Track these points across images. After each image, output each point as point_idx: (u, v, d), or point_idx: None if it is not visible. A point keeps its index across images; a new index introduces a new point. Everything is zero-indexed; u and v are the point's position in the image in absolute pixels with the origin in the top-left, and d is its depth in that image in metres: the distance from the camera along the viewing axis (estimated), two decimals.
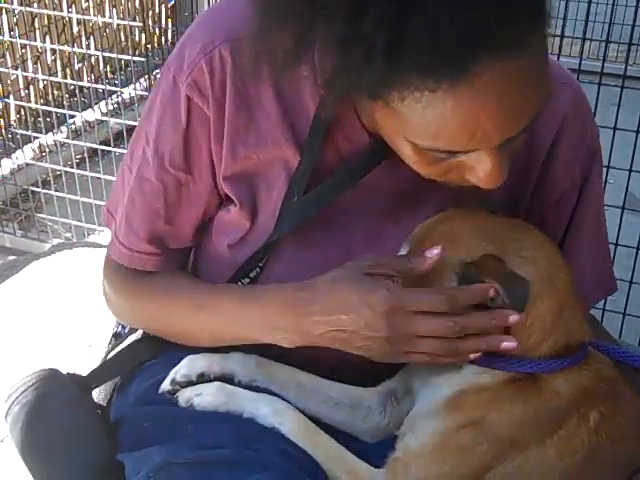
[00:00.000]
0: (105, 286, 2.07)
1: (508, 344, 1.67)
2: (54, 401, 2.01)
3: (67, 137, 5.19)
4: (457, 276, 1.69)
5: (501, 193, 1.83)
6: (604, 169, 3.45)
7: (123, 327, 2.22)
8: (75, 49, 5.21)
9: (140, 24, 5.93)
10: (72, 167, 4.89)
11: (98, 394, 2.17)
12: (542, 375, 1.75)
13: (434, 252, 1.65)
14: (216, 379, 1.89)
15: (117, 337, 2.23)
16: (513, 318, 1.65)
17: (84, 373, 2.11)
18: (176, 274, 2.00)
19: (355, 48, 1.41)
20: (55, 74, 5.24)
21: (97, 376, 2.11)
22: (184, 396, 1.87)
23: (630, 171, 3.54)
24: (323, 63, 1.63)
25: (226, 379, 1.89)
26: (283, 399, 1.87)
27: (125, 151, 3.99)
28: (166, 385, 1.91)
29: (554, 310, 1.72)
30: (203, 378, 1.89)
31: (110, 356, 2.14)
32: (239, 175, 1.85)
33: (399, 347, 1.68)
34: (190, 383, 1.89)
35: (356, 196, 1.85)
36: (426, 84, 1.40)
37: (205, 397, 1.85)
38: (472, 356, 1.68)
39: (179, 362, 1.92)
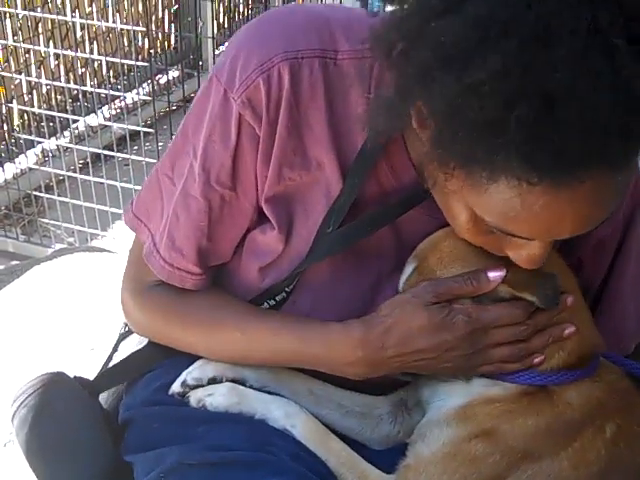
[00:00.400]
0: (129, 303, 2.01)
1: (570, 330, 1.70)
2: (61, 404, 2.01)
3: (70, 142, 5.20)
4: None
5: None
6: None
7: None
8: (78, 54, 5.23)
9: (143, 29, 5.94)
10: (75, 172, 4.91)
11: (105, 398, 2.17)
12: (555, 388, 1.75)
13: (497, 274, 1.65)
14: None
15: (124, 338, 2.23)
16: (570, 300, 1.70)
17: (87, 376, 2.12)
18: (214, 296, 1.94)
19: (492, 134, 1.35)
20: (58, 79, 5.25)
21: (105, 380, 2.12)
22: (196, 396, 1.88)
23: None
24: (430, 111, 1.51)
25: (237, 384, 1.89)
26: None
27: (127, 156, 3.97)
28: (177, 387, 1.91)
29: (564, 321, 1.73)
30: (214, 382, 1.89)
31: (118, 360, 2.14)
32: (280, 197, 1.80)
33: (476, 361, 1.71)
34: (200, 386, 1.89)
35: (391, 229, 1.83)
36: (529, 177, 1.37)
37: (217, 397, 1.85)
38: (537, 360, 1.71)
39: (188, 366, 1.92)
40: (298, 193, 1.80)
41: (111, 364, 2.16)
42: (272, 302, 1.88)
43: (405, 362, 1.71)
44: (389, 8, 1.59)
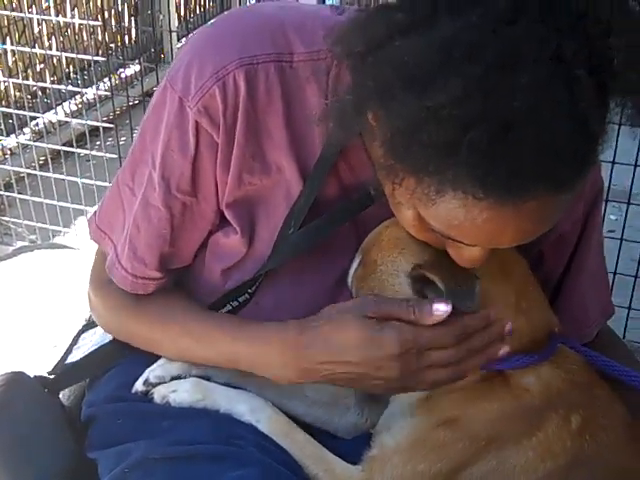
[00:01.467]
0: (93, 299, 2.01)
1: (504, 351, 1.69)
2: (20, 403, 1.99)
3: (30, 139, 5.15)
4: (409, 279, 1.69)
5: None
6: None
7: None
8: (36, 50, 5.16)
9: (100, 23, 5.89)
10: (35, 169, 4.85)
11: (67, 395, 2.15)
12: (512, 373, 1.75)
13: (442, 310, 1.61)
14: None
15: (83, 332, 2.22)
16: (508, 328, 1.68)
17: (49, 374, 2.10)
18: (170, 295, 1.94)
19: (446, 154, 1.37)
20: (16, 75, 5.18)
21: (65, 378, 2.10)
22: (160, 393, 1.87)
23: (613, 163, 3.55)
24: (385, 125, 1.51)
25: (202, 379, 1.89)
26: None
27: (88, 151, 3.94)
28: (139, 385, 1.90)
29: (510, 304, 1.73)
30: (178, 379, 1.88)
31: (79, 358, 2.11)
32: (241, 201, 1.81)
33: (408, 383, 1.68)
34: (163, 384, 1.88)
35: (352, 226, 1.84)
36: (475, 192, 1.38)
37: (181, 394, 1.84)
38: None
39: (150, 362, 1.91)
40: (259, 197, 1.81)
41: (72, 359, 2.14)
42: (235, 303, 1.87)
43: (335, 372, 1.69)
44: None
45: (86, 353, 2.09)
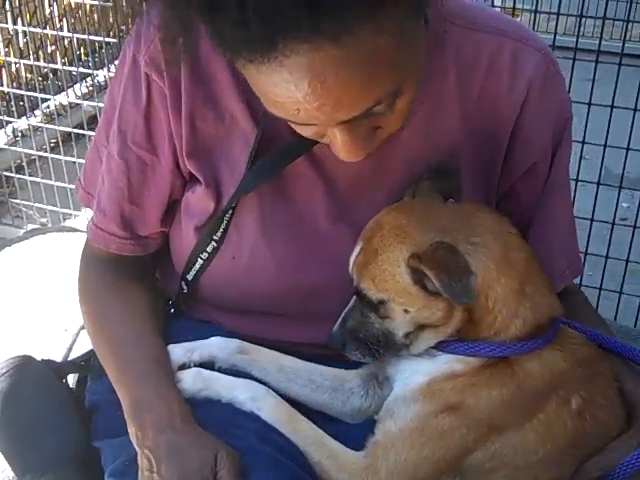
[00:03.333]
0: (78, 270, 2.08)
1: None
2: (28, 388, 2.00)
3: (41, 121, 5.15)
4: (409, 269, 1.69)
5: (470, 167, 1.90)
6: (579, 145, 3.48)
7: None
8: (47, 31, 5.15)
9: (112, 4, 5.86)
10: (46, 151, 4.86)
11: (76, 378, 2.16)
12: (515, 358, 1.75)
13: None
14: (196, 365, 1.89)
15: None
16: None
17: (60, 357, 2.12)
18: (136, 304, 1.99)
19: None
20: (27, 57, 5.17)
21: (73, 364, 2.12)
22: None
23: (605, 146, 3.53)
24: None
25: (207, 364, 1.89)
26: (264, 383, 1.87)
27: None
28: None
29: (515, 289, 1.73)
30: (184, 367, 1.88)
31: (87, 351, 2.13)
32: (201, 151, 1.86)
33: None
34: None
35: (316, 174, 1.86)
36: (252, 57, 1.46)
37: (183, 385, 1.84)
38: None
39: None
40: (221, 148, 1.86)
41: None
42: (205, 255, 1.90)
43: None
44: None
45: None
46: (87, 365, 2.11)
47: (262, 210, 1.87)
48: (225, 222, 1.88)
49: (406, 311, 1.72)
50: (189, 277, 1.95)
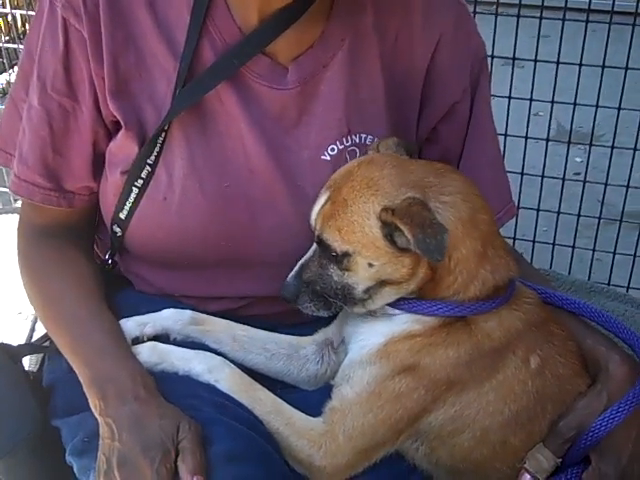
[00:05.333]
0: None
1: None
2: None
3: None
4: (380, 222, 1.67)
5: (388, 110, 1.93)
6: (531, 103, 3.49)
7: None
8: None
9: None
10: None
11: (34, 361, 2.14)
12: (473, 318, 1.76)
13: None
14: (150, 338, 1.87)
15: None
16: None
17: (15, 340, 2.08)
18: (80, 276, 1.97)
19: None
20: None
21: (28, 347, 2.09)
22: None
23: (552, 102, 3.54)
24: None
25: (161, 338, 1.87)
26: (219, 353, 1.86)
27: None
28: None
29: (478, 251, 1.73)
30: (137, 341, 1.86)
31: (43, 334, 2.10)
32: (124, 92, 1.84)
33: None
34: None
35: (241, 105, 1.86)
36: None
37: (138, 359, 1.81)
38: None
39: None
40: (142, 91, 1.85)
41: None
42: (140, 182, 1.87)
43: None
44: None
45: None
46: (45, 346, 2.07)
47: (189, 147, 1.86)
48: (153, 159, 1.85)
49: (370, 265, 1.70)
50: (122, 216, 1.91)
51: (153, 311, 1.90)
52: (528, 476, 1.80)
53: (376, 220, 1.67)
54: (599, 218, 3.76)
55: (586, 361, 1.85)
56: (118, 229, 1.94)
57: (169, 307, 1.92)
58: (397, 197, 1.67)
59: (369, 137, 1.94)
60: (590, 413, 1.78)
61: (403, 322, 1.78)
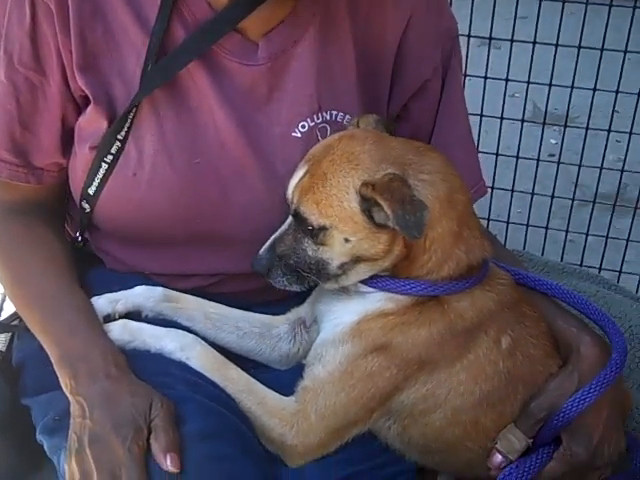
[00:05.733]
0: None
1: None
2: None
3: None
4: (359, 196, 1.66)
5: (359, 87, 1.94)
6: (507, 83, 3.48)
7: None
8: None
9: None
10: None
11: (3, 339, 2.10)
12: (446, 297, 1.76)
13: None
14: (122, 316, 1.86)
15: None
16: None
17: None
18: (50, 253, 1.95)
19: None
20: None
21: None
22: None
23: (528, 83, 3.54)
24: None
25: (133, 315, 1.86)
26: (191, 331, 1.85)
27: None
28: None
29: (453, 231, 1.73)
30: (109, 319, 1.85)
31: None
32: (92, 66, 1.82)
33: None
34: None
35: (212, 80, 1.85)
36: None
37: (110, 337, 1.80)
38: None
39: None
40: (111, 65, 1.83)
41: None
42: (109, 157, 1.85)
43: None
44: None
45: None
46: (14, 325, 2.05)
47: (160, 123, 1.84)
48: (123, 135, 1.83)
49: (347, 240, 1.69)
50: (90, 192, 1.89)
51: (125, 289, 1.88)
52: (500, 456, 1.81)
53: (355, 195, 1.66)
54: (572, 199, 3.76)
55: (557, 342, 1.85)
56: (87, 205, 1.91)
57: (141, 284, 1.90)
58: (377, 172, 1.66)
59: (340, 114, 1.93)
60: (561, 394, 1.79)
61: (376, 300, 1.77)
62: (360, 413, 1.75)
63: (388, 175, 1.65)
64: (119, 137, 1.82)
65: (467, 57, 3.08)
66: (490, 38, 3.45)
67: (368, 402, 1.74)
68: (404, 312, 1.75)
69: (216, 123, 1.85)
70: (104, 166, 1.85)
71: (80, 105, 1.87)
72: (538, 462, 1.80)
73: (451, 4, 3.17)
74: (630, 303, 2.53)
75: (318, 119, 1.91)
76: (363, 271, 1.75)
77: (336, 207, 1.68)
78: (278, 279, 1.78)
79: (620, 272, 3.75)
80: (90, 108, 1.83)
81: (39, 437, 1.86)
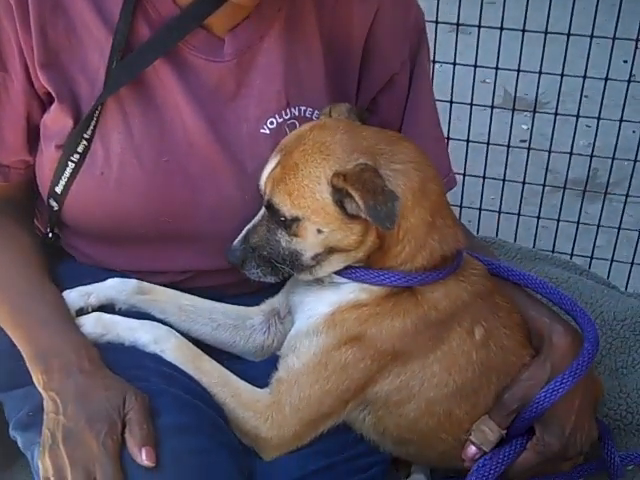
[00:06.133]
0: None
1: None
2: None
3: None
4: (331, 187, 1.66)
5: (326, 80, 1.93)
6: (476, 69, 3.48)
7: None
8: None
9: None
10: None
11: None
12: (419, 288, 1.76)
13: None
14: (95, 309, 1.85)
15: None
16: None
17: None
18: (20, 248, 1.93)
19: None
20: None
21: None
22: None
23: (496, 69, 3.53)
24: None
25: (106, 308, 1.85)
26: (165, 324, 1.84)
27: None
28: None
29: (427, 221, 1.73)
30: (82, 312, 1.83)
31: None
32: (55, 63, 1.80)
33: None
34: None
35: (178, 77, 1.84)
36: None
37: (83, 330, 1.79)
38: None
39: None
40: (74, 62, 1.81)
41: None
42: (76, 157, 1.83)
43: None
44: None
45: None
46: None
47: (127, 121, 1.83)
48: (89, 134, 1.82)
49: (319, 231, 1.69)
50: (57, 190, 1.87)
51: (97, 282, 1.87)
52: (474, 448, 1.82)
53: (327, 185, 1.66)
54: (544, 185, 3.77)
55: (530, 333, 1.86)
56: (54, 203, 1.90)
57: (113, 277, 1.89)
58: (349, 162, 1.66)
59: (309, 110, 1.92)
60: (534, 384, 1.80)
61: (350, 291, 1.77)
62: (334, 405, 1.76)
63: (360, 165, 1.64)
64: (85, 136, 1.81)
65: (435, 43, 3.07)
66: (458, 24, 3.44)
67: (342, 394, 1.75)
68: (378, 303, 1.75)
69: (184, 121, 1.84)
70: (71, 165, 1.83)
71: (45, 102, 1.85)
72: (512, 453, 1.82)
73: None
74: (601, 289, 2.56)
75: (287, 115, 1.91)
76: (337, 262, 1.75)
77: (308, 198, 1.67)
78: (252, 270, 1.77)
79: (592, 258, 3.76)
80: (54, 106, 1.82)
81: (12, 433, 1.85)
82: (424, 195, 1.72)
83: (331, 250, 1.72)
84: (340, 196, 1.65)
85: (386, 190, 1.61)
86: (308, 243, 1.71)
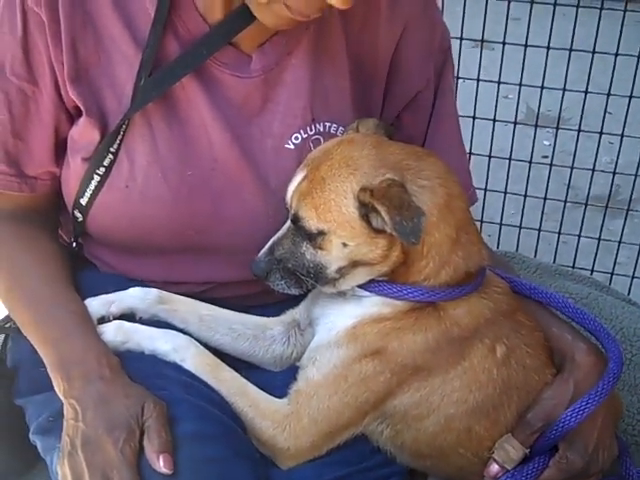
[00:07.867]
0: None
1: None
2: None
3: None
4: (357, 202, 1.67)
5: (352, 96, 1.94)
6: (499, 85, 3.48)
7: None
8: None
9: None
10: None
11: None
12: (442, 304, 1.76)
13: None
14: (116, 318, 1.86)
15: None
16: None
17: None
18: (45, 258, 1.94)
19: None
20: None
21: None
22: None
23: (520, 85, 3.54)
24: None
25: (127, 317, 1.86)
26: (185, 333, 1.85)
27: None
28: None
29: (451, 237, 1.73)
30: (103, 321, 1.85)
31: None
32: (84, 78, 1.82)
33: None
34: None
35: (205, 92, 1.85)
36: None
37: (104, 338, 1.80)
38: None
39: None
40: (103, 77, 1.82)
41: None
42: (102, 170, 1.85)
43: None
44: None
45: None
46: (7, 327, 2.04)
47: (153, 135, 1.84)
48: (115, 147, 1.83)
49: (345, 245, 1.70)
50: (82, 202, 1.89)
51: (120, 290, 1.89)
52: (496, 466, 1.81)
53: (353, 200, 1.67)
54: (565, 201, 3.76)
55: (552, 351, 1.86)
56: (79, 214, 1.92)
57: (135, 286, 1.90)
58: (376, 178, 1.66)
59: (333, 126, 1.93)
60: (557, 403, 1.80)
61: (372, 305, 1.78)
62: (353, 417, 1.76)
63: (387, 181, 1.65)
64: (111, 150, 1.83)
65: (459, 59, 3.08)
66: (482, 40, 3.45)
67: (361, 406, 1.75)
68: (400, 317, 1.76)
69: (209, 136, 1.86)
70: (96, 178, 1.85)
71: (73, 116, 1.86)
72: (534, 471, 1.81)
73: (443, 5, 3.18)
74: (622, 305, 2.54)
75: (311, 131, 1.92)
76: (361, 275, 1.75)
77: (334, 212, 1.68)
78: (277, 282, 1.78)
79: (612, 274, 3.76)
80: (82, 119, 1.83)
81: (33, 437, 1.86)
82: (449, 211, 1.72)
83: (355, 264, 1.73)
84: (366, 211, 1.66)
85: (412, 206, 1.61)
86: (333, 256, 1.72)
